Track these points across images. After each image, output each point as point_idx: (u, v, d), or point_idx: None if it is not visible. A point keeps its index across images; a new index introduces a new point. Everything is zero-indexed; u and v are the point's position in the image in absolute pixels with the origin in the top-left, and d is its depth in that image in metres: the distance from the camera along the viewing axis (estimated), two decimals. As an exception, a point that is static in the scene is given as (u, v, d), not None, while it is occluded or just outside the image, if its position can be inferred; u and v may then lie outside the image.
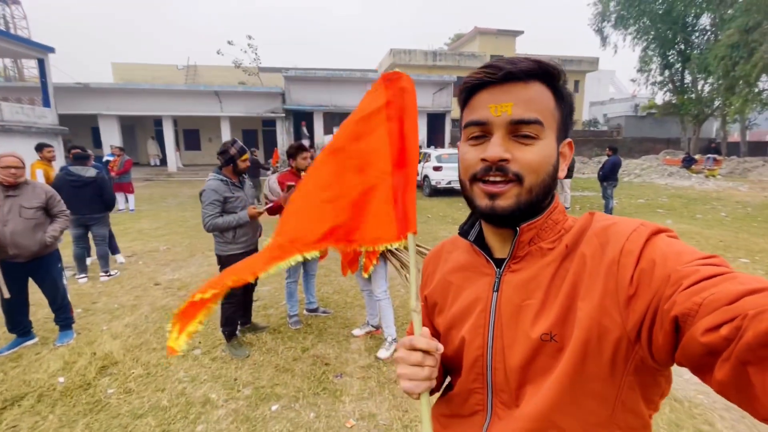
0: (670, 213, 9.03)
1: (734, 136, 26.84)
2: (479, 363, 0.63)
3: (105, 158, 10.20)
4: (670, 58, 23.12)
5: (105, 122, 17.62)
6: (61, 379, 2.63)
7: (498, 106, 0.57)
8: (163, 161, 19.82)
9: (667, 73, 23.58)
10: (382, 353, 2.89)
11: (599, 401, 0.54)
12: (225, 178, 2.89)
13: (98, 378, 2.67)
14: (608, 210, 8.52)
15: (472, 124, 0.59)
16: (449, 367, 0.72)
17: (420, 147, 12.46)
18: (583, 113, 30.19)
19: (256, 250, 3.10)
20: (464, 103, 0.63)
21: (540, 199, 0.59)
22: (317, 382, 2.61)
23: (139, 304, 4.03)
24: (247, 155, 2.98)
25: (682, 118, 23.07)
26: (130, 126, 20.56)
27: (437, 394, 0.76)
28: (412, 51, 25.88)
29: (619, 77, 40.92)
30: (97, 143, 17.95)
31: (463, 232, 0.70)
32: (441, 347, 0.62)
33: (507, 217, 0.59)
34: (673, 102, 23.40)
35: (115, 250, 5.55)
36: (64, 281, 3.21)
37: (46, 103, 14.73)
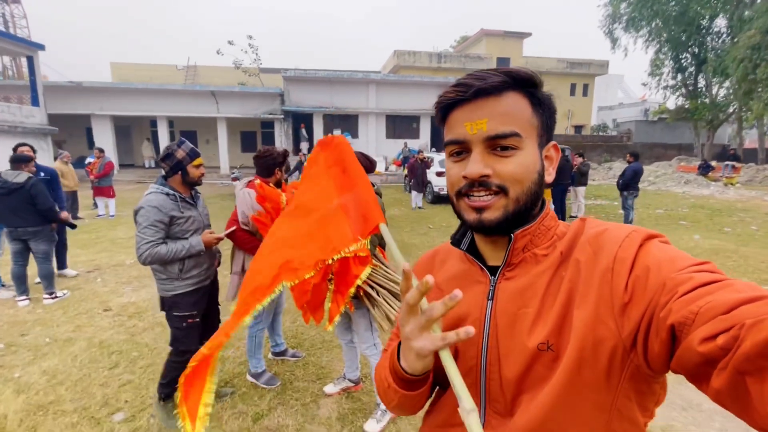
0: (694, 226, 8.24)
1: (748, 142, 25.87)
2: (473, 373, 0.61)
3: (87, 160, 9.62)
4: (683, 61, 22.38)
5: (98, 122, 17.10)
6: None
7: (473, 123, 0.57)
8: (158, 163, 19.27)
9: (679, 76, 22.84)
10: (372, 426, 2.17)
11: (595, 410, 0.53)
12: (172, 192, 2.12)
13: (-30, 461, 1.98)
14: (628, 222, 7.77)
15: (452, 143, 0.60)
16: (441, 378, 0.66)
17: (421, 151, 11.77)
18: (592, 118, 29.39)
19: (214, 283, 2.37)
20: (442, 120, 0.63)
21: (528, 207, 0.59)
22: (264, 476, 1.90)
23: (77, 337, 3.35)
24: (200, 160, 2.18)
25: (695, 124, 22.27)
26: (125, 127, 20.05)
27: (427, 404, 0.71)
28: (416, 53, 25.26)
29: (628, 82, 40.07)
30: (92, 144, 17.42)
31: (455, 241, 0.69)
32: (431, 279, 0.49)
33: (495, 228, 0.58)
34: (686, 107, 22.60)
35: (63, 264, 4.87)
36: None
37: (35, 102, 14.21)
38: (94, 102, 16.76)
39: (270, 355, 2.94)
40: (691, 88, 22.58)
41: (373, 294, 1.92)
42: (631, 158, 7.94)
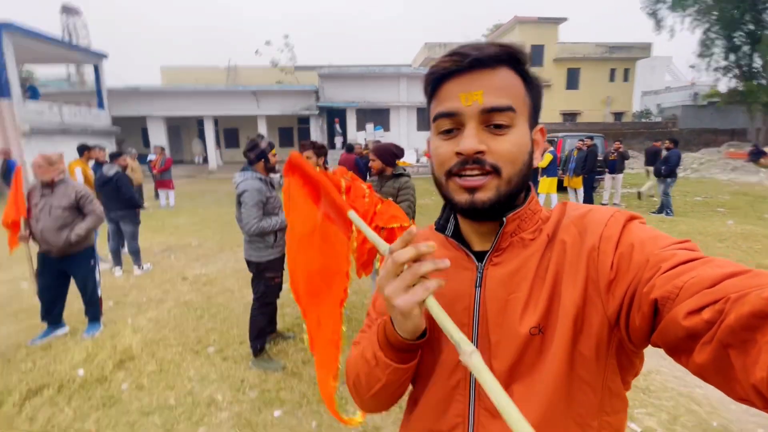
0: (732, 212, 8.10)
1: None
2: (462, 366, 0.57)
3: (148, 158, 10.82)
4: (736, 40, 20.90)
5: (153, 123, 18.71)
6: (81, 372, 2.72)
7: (468, 94, 0.54)
8: (206, 159, 20.78)
9: (732, 57, 21.36)
10: None
11: (589, 390, 0.53)
12: (262, 177, 2.68)
13: (115, 372, 2.74)
14: (668, 208, 7.79)
15: (443, 116, 0.57)
16: (422, 373, 0.64)
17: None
18: (634, 104, 28.09)
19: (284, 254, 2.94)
20: (431, 94, 0.60)
21: (519, 189, 0.58)
22: (323, 389, 2.51)
23: (165, 298, 4.15)
24: (275, 150, 2.83)
25: (750, 107, 20.80)
26: (176, 126, 21.71)
27: (405, 398, 0.69)
28: (447, 44, 25.27)
29: (677, 64, 37.66)
30: (147, 143, 19.12)
31: (440, 227, 0.67)
32: (432, 244, 0.49)
33: (487, 211, 0.56)
34: (740, 89, 21.15)
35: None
36: (97, 277, 3.32)
37: (101, 106, 15.88)
38: (149, 104, 18.34)
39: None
40: (745, 68, 21.08)
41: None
42: (671, 144, 7.93)
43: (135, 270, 4.98)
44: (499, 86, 0.55)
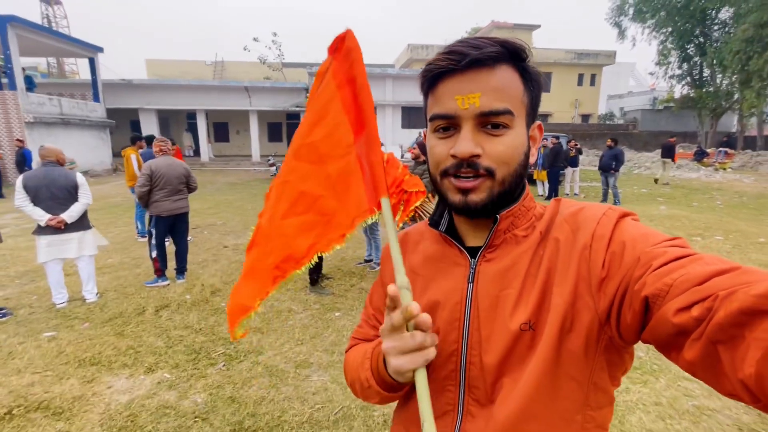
0: (668, 201, 9.76)
1: (753, 130, 26.72)
2: (453, 359, 0.60)
3: (156, 148, 11.57)
4: (688, 51, 23.19)
5: (145, 116, 19.13)
6: (188, 296, 3.80)
7: (465, 97, 0.54)
8: (197, 152, 21.28)
9: (685, 66, 23.67)
10: None
11: (574, 385, 0.54)
12: None
13: (212, 297, 3.83)
14: (616, 198, 9.39)
15: (439, 118, 0.57)
16: None
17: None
18: (600, 107, 30.39)
19: None
20: (427, 90, 0.60)
21: (513, 189, 0.59)
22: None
23: (218, 259, 5.20)
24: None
25: (700, 112, 23.19)
26: (165, 119, 22.07)
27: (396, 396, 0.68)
28: (429, 46, 26.61)
29: (640, 69, 40.56)
30: (137, 135, 19.48)
31: (434, 222, 0.67)
32: (429, 319, 0.53)
33: (480, 211, 0.57)
34: (691, 95, 23.50)
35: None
36: (152, 241, 4.24)
37: (96, 99, 16.25)
38: (142, 97, 18.76)
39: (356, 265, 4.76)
40: (696, 77, 23.40)
41: (423, 216, 3.67)
42: (613, 143, 9.43)
43: (181, 240, 5.97)
44: (497, 87, 0.54)
